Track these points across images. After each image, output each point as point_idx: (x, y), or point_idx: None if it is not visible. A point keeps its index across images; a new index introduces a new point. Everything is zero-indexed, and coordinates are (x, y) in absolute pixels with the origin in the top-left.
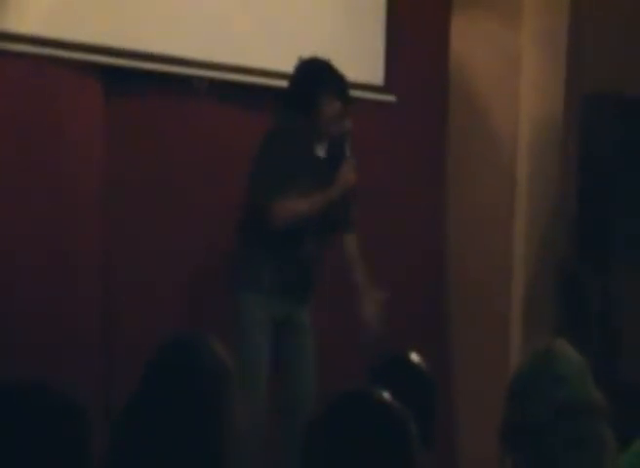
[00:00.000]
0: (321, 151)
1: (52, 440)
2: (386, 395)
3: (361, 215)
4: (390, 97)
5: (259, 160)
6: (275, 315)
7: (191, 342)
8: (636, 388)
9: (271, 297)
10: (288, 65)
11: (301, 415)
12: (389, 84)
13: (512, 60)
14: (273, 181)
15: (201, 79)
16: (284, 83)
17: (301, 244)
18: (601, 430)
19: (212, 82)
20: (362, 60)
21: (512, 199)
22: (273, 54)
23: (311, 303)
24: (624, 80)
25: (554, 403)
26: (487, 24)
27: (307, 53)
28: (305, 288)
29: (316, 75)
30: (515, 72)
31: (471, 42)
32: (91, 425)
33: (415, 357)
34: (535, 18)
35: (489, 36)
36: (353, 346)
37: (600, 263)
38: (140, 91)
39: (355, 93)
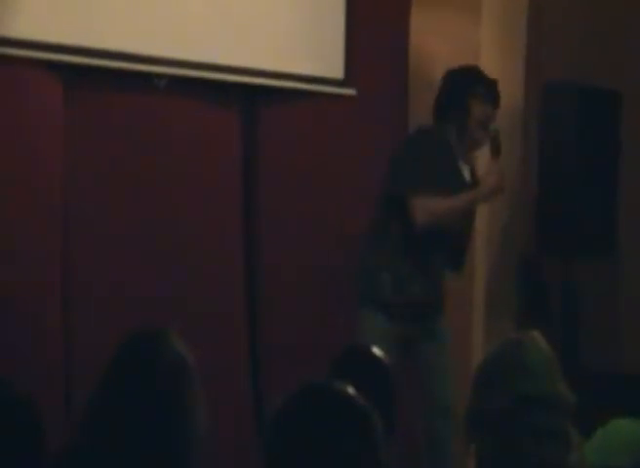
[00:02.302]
0: (466, 172)
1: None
2: (348, 387)
3: (324, 208)
4: (350, 91)
5: (403, 155)
6: (404, 332)
7: (152, 339)
8: (594, 373)
9: (396, 315)
10: (247, 60)
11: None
12: (349, 78)
13: (472, 51)
14: (418, 177)
15: (160, 76)
16: (244, 78)
17: (426, 259)
18: (565, 425)
19: (171, 79)
20: (322, 54)
21: None
22: (232, 49)
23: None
24: (585, 67)
25: (521, 393)
26: (446, 15)
27: (266, 47)
28: (432, 303)
29: (466, 80)
30: (475, 63)
31: (431, 34)
32: (41, 420)
33: (376, 350)
34: (494, 8)
35: (448, 27)
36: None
37: (559, 249)
38: (100, 89)
39: (315, 86)
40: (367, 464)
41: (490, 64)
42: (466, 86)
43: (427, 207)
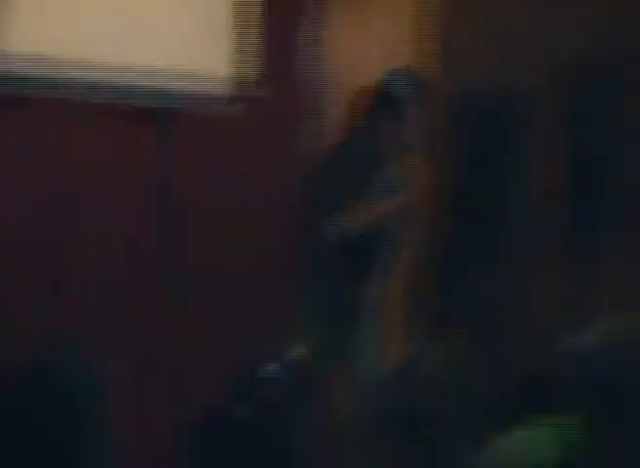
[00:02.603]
0: (394, 175)
1: None
2: (251, 409)
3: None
4: (263, 93)
5: (331, 159)
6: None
7: (61, 358)
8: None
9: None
10: (152, 61)
11: None
12: (261, 80)
13: (385, 55)
14: (344, 183)
15: (73, 95)
16: (140, 79)
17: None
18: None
19: (83, 98)
20: (233, 56)
21: None
22: (144, 52)
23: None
24: (494, 78)
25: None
26: (360, 18)
27: (178, 50)
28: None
29: (398, 86)
30: None
31: (346, 39)
32: None
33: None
34: (407, 14)
35: (361, 29)
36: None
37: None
38: (15, 112)
39: (227, 89)
40: None
41: None
42: (399, 92)
43: (352, 213)
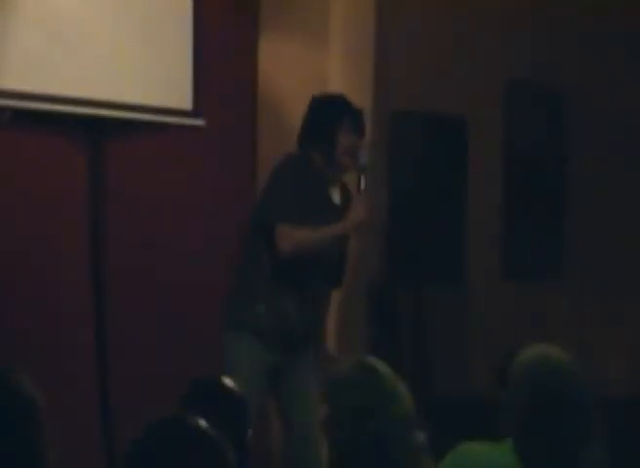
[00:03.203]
0: (335, 196)
1: None
2: (202, 422)
3: (169, 239)
4: (199, 122)
5: (270, 183)
6: (272, 361)
7: None
8: (450, 402)
9: (268, 340)
10: (93, 92)
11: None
12: (198, 108)
13: (319, 82)
14: (284, 205)
15: (4, 109)
16: (89, 110)
17: (307, 283)
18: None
19: (15, 111)
20: (169, 85)
21: None
22: (77, 80)
23: (315, 349)
24: (430, 97)
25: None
26: (294, 46)
27: (112, 79)
28: (310, 336)
29: (332, 109)
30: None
31: (279, 64)
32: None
33: (226, 380)
34: (341, 39)
35: (296, 58)
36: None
37: (411, 279)
38: None
39: (163, 118)
40: None
41: (337, 91)
42: (333, 115)
43: (291, 236)
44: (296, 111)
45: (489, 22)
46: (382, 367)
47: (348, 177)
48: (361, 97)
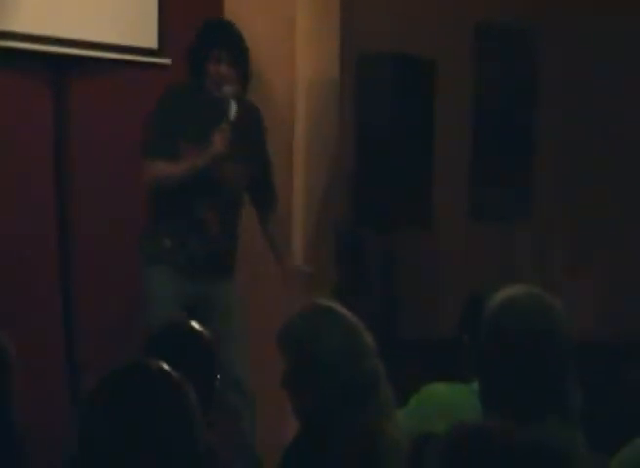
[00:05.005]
0: (231, 113)
1: None
2: (164, 365)
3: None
4: (165, 61)
5: (150, 118)
6: (187, 292)
7: None
8: (413, 344)
9: (179, 272)
10: (57, 30)
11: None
12: (163, 47)
13: (287, 22)
14: (153, 141)
15: None
16: (54, 48)
17: (193, 210)
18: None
19: None
20: (135, 24)
21: (289, 162)
22: (42, 18)
23: (232, 280)
24: (399, 38)
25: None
26: None
27: (77, 16)
28: (217, 263)
29: (205, 36)
30: (290, 34)
31: (245, 4)
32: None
33: (195, 324)
34: None
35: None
36: None
37: (376, 220)
38: None
39: (129, 56)
40: (182, 440)
41: (305, 36)
42: (203, 44)
43: (151, 170)
44: (263, 52)
45: None
46: (339, 308)
47: None
48: (329, 38)
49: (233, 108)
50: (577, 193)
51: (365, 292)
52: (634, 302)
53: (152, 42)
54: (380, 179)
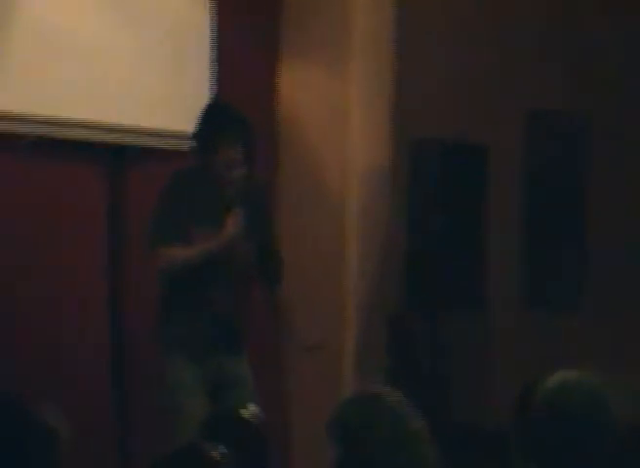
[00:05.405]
0: (241, 197)
1: None
2: (217, 452)
3: None
4: None
5: (156, 204)
6: (205, 375)
7: (16, 408)
8: (466, 428)
9: (194, 358)
10: (115, 118)
11: None
12: None
13: (339, 109)
14: (162, 227)
15: (26, 136)
16: (115, 136)
17: (205, 291)
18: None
19: (39, 138)
20: (191, 111)
21: (342, 249)
22: (100, 106)
23: (245, 355)
24: (450, 124)
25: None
26: (315, 73)
27: (135, 105)
28: (228, 341)
29: (214, 119)
30: (342, 121)
31: (300, 93)
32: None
33: (245, 411)
34: (361, 65)
35: (317, 84)
36: None
37: (429, 308)
38: None
39: (186, 144)
40: None
41: (358, 123)
42: (213, 127)
43: (167, 257)
44: (316, 139)
45: (510, 51)
46: (390, 394)
47: None
48: (381, 124)
49: (243, 191)
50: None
51: (416, 377)
52: None
53: None
54: (431, 265)
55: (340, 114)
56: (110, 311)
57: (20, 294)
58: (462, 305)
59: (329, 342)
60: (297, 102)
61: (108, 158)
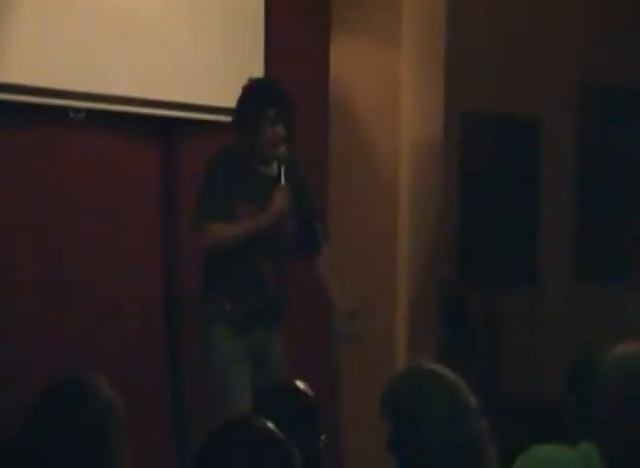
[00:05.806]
0: (271, 171)
1: None
2: (269, 423)
3: None
4: None
5: (200, 183)
6: (246, 346)
7: (76, 386)
8: (513, 397)
9: (237, 328)
10: (166, 93)
11: None
12: None
13: (392, 83)
14: (208, 204)
15: (77, 110)
16: (164, 112)
17: (252, 267)
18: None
19: (89, 112)
20: (240, 87)
21: (395, 221)
22: (151, 82)
23: (280, 330)
24: (500, 98)
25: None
26: (366, 46)
27: (184, 80)
28: (272, 314)
29: (257, 97)
30: (395, 96)
31: (351, 67)
32: None
33: (300, 384)
34: (413, 40)
35: (368, 58)
36: None
37: (481, 280)
38: (15, 124)
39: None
40: None
41: (410, 95)
42: (256, 105)
43: (213, 233)
44: (368, 114)
45: (565, 22)
46: (442, 369)
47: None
48: (433, 98)
49: (287, 167)
50: None
51: (469, 353)
52: None
53: None
54: (485, 239)
55: (392, 87)
56: (164, 279)
57: (81, 263)
58: (517, 277)
59: (374, 314)
60: (347, 78)
61: (161, 131)
